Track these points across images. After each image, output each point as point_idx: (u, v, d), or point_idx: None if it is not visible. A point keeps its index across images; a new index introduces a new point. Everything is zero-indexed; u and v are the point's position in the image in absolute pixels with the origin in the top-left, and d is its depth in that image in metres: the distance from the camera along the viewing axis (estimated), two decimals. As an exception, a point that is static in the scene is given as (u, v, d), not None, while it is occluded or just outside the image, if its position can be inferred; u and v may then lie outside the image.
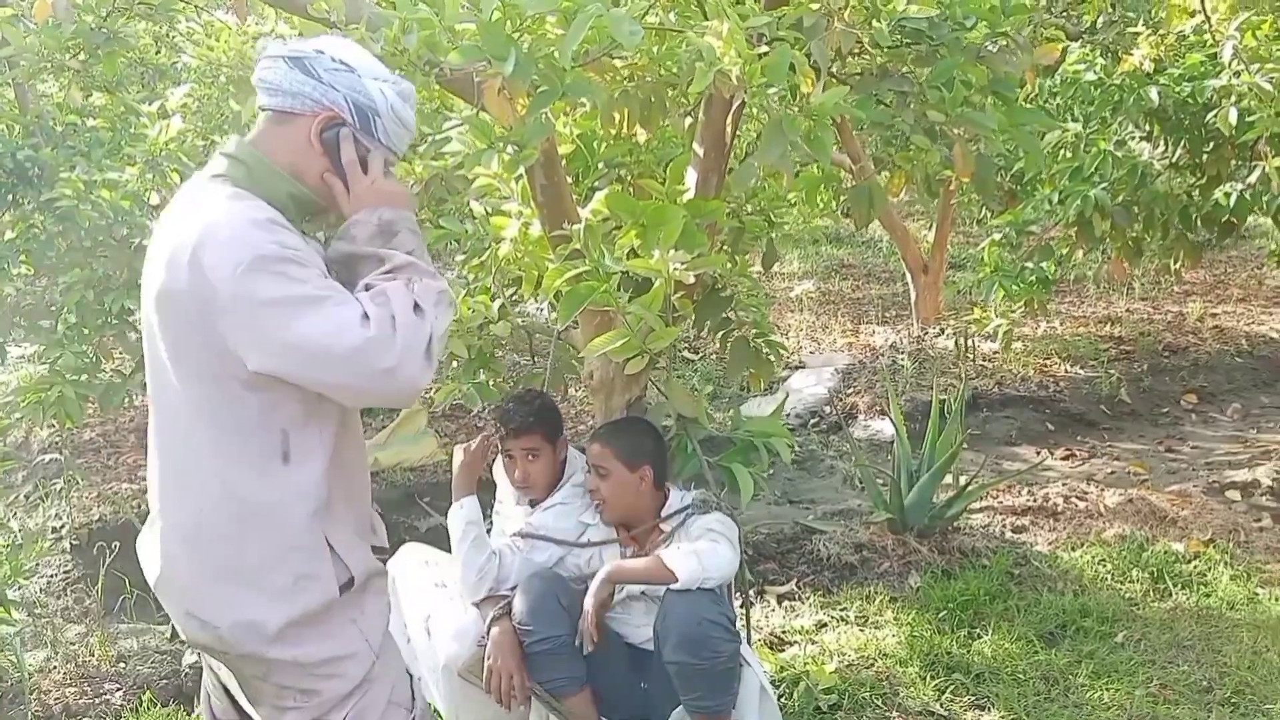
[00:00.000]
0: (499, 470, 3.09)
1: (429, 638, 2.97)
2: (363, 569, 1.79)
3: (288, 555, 1.69)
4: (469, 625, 2.86)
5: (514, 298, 3.30)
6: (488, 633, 2.80)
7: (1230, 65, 4.06)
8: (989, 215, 6.19)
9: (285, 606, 1.69)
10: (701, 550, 2.68)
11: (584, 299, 2.59)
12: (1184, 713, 3.01)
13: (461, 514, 2.86)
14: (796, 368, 6.61)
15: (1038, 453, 5.46)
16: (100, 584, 3.50)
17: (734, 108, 2.69)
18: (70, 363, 4.11)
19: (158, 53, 6.63)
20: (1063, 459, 5.37)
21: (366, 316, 1.55)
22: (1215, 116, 4.16)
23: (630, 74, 2.42)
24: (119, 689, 3.22)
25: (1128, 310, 7.76)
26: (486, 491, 3.00)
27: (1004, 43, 2.68)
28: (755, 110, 2.25)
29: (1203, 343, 6.93)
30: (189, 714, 3.07)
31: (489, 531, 3.00)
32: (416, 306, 1.59)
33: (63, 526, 4.45)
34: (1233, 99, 4.07)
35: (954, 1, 2.55)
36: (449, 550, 3.05)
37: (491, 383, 3.34)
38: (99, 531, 4.33)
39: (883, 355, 6.71)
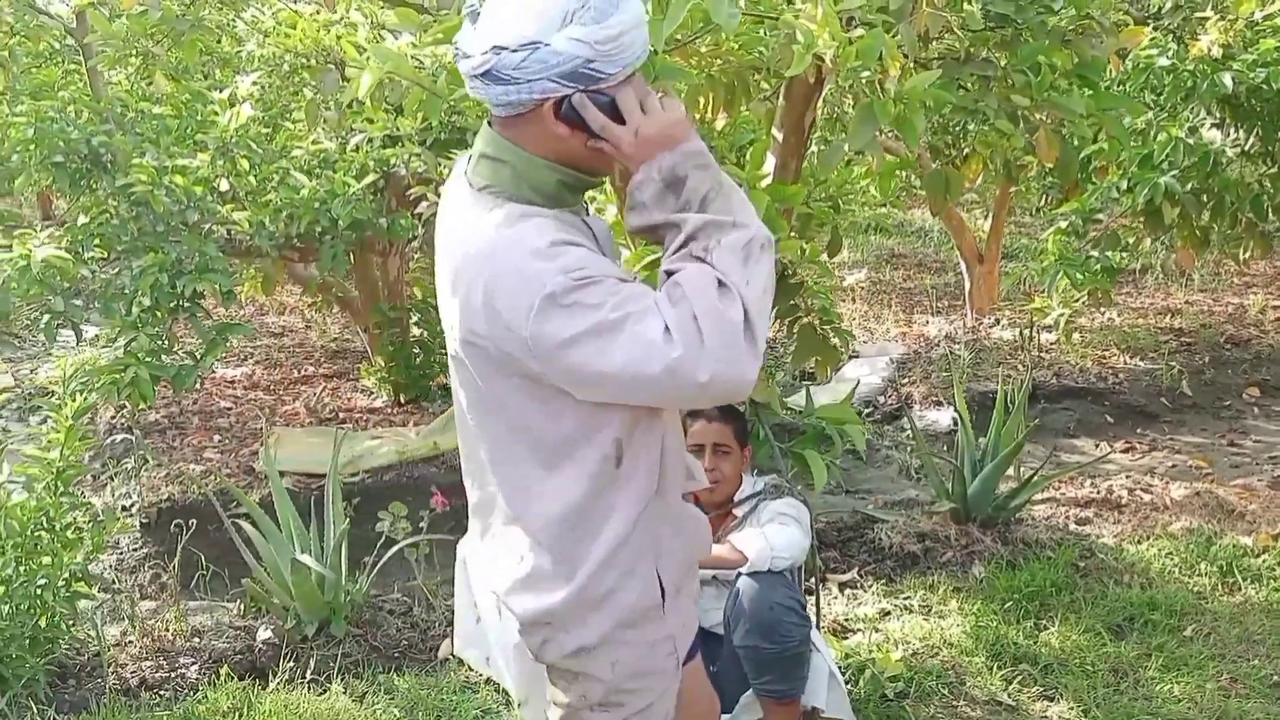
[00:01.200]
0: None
1: (500, 617, 3.00)
2: (678, 567, 1.75)
3: (619, 553, 1.65)
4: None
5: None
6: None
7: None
8: (1048, 205, 6.11)
9: (617, 601, 1.67)
10: (770, 532, 2.70)
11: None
12: (1255, 707, 2.98)
13: None
14: (852, 357, 6.58)
15: (1097, 445, 5.40)
16: (177, 560, 3.56)
17: (816, 93, 2.69)
18: (145, 344, 4.19)
19: (218, 41, 6.72)
20: (1123, 451, 5.31)
21: (668, 330, 1.43)
22: (1292, 103, 4.09)
23: (717, 58, 2.43)
24: (194, 663, 3.28)
25: (1187, 302, 7.64)
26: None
27: (1089, 26, 2.66)
28: (838, 94, 2.25)
29: (1265, 335, 6.81)
30: (264, 688, 3.13)
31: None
32: (720, 284, 1.44)
33: (133, 505, 4.54)
34: (1312, 86, 4.00)
35: (1041, -15, 2.53)
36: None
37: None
38: (168, 510, 4.42)
39: (937, 345, 6.66)
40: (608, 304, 1.46)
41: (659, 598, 1.70)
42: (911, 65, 2.51)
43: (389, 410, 6.01)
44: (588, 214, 1.68)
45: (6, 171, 4.39)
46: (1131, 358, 6.36)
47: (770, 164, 2.81)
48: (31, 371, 6.56)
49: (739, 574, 2.70)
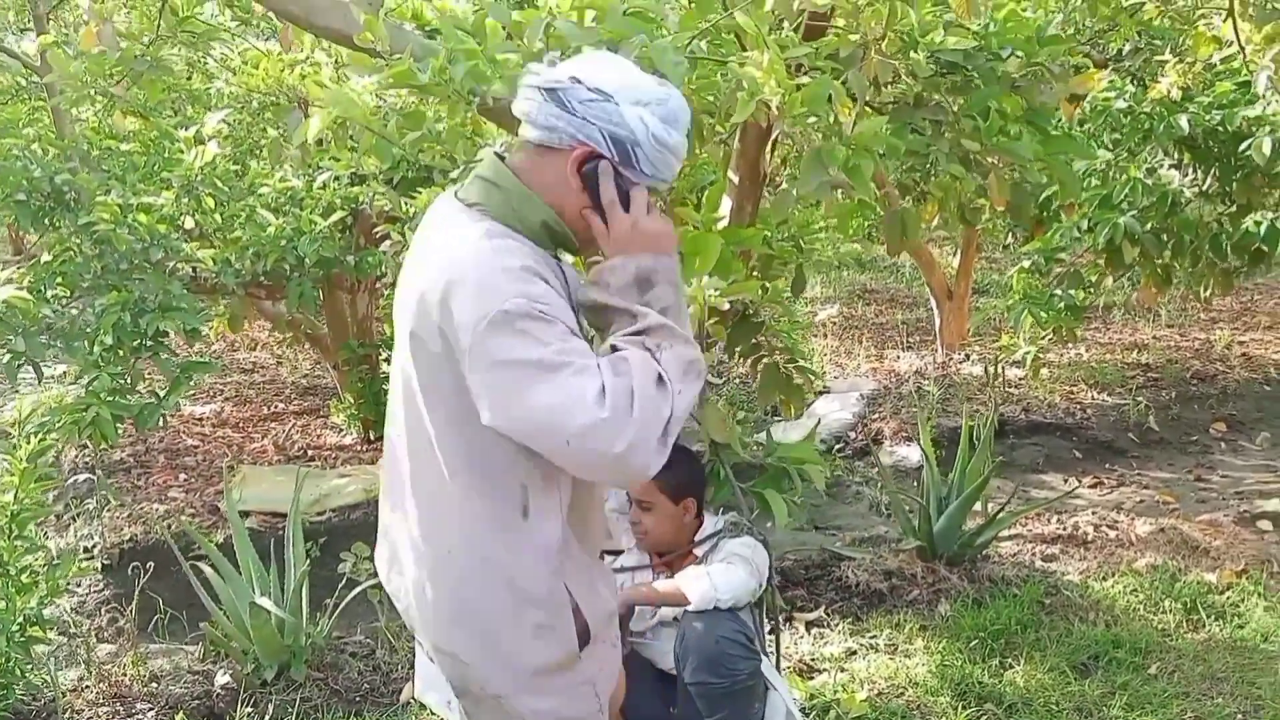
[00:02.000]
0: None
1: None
2: (597, 616, 1.75)
3: (526, 609, 1.66)
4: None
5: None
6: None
7: (1267, 96, 4.06)
8: (1016, 242, 6.18)
9: (529, 655, 1.67)
10: (715, 572, 2.70)
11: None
12: (1219, 746, 2.98)
13: None
14: (821, 393, 6.60)
15: (1065, 480, 5.43)
16: (135, 604, 3.52)
17: (770, 136, 2.72)
18: (106, 384, 4.15)
19: (189, 79, 6.74)
20: (1091, 487, 5.34)
21: (604, 391, 1.45)
22: (1250, 146, 4.16)
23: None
24: (151, 709, 3.23)
25: (1154, 337, 7.72)
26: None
27: (1039, 72, 2.70)
28: (791, 139, 2.27)
29: (1231, 370, 6.88)
30: (220, 735, 3.08)
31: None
32: (660, 379, 1.49)
33: (95, 546, 4.48)
34: (1267, 129, 4.06)
35: (990, 33, 2.57)
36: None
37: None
38: (130, 551, 4.37)
39: (907, 381, 6.70)
40: (555, 345, 1.48)
41: (575, 649, 1.71)
42: (866, 110, 2.55)
43: (358, 447, 5.98)
44: (560, 261, 1.70)
45: (-31, 209, 4.36)
46: (1099, 393, 6.41)
47: (726, 206, 2.83)
48: (-3, 410, 6.50)
49: (685, 613, 2.69)
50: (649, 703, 2.82)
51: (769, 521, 3.04)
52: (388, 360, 5.98)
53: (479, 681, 1.70)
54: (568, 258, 1.76)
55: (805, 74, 2.31)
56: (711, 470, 3.02)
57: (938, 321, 7.31)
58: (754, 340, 3.49)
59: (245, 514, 4.58)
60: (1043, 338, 5.11)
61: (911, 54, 2.41)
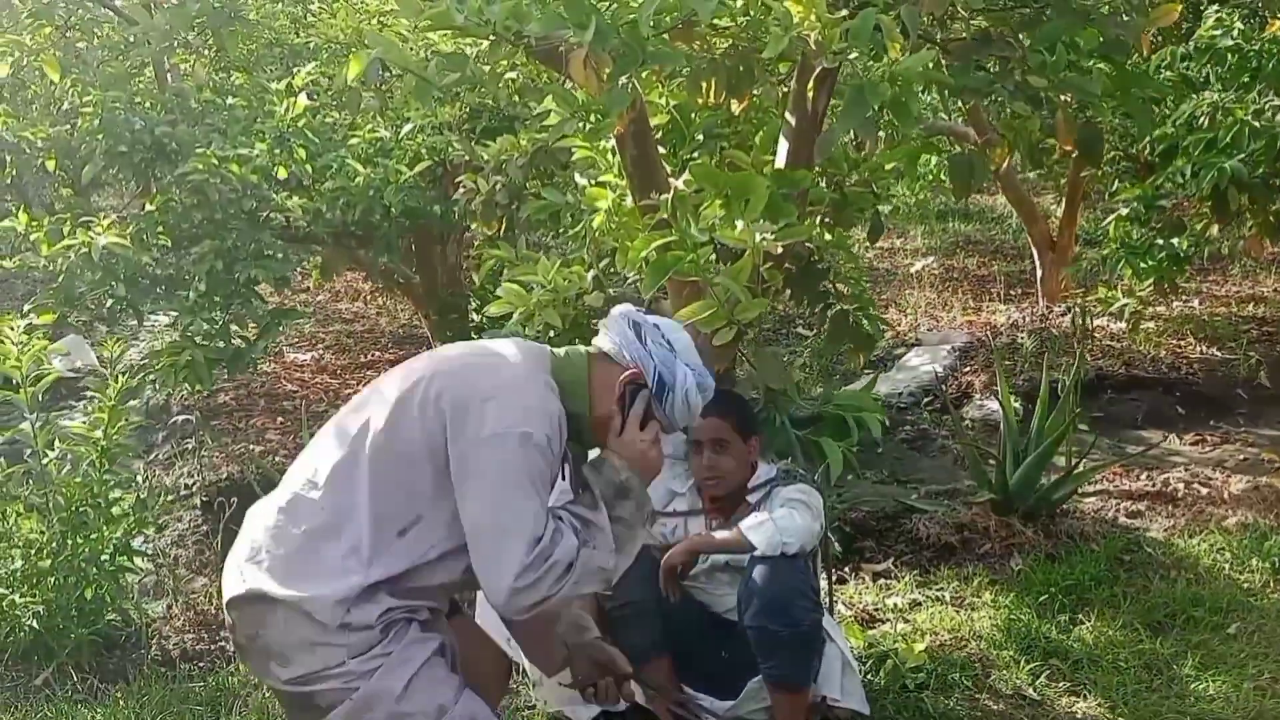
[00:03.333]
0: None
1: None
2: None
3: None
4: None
5: (608, 268, 3.34)
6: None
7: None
8: (1121, 188, 5.91)
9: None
10: (778, 517, 2.68)
11: (669, 268, 2.61)
12: (1295, 709, 2.85)
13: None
14: (913, 345, 6.47)
15: (1165, 437, 5.21)
16: (220, 538, 3.69)
17: (826, 76, 2.65)
18: (200, 329, 4.35)
19: (296, 34, 6.88)
20: (1192, 444, 5.12)
21: (537, 542, 1.86)
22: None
23: (720, 42, 2.41)
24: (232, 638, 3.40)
25: (1275, 290, 7.31)
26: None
27: (1116, 4, 2.57)
28: (843, 77, 2.22)
29: (1356, 325, 6.48)
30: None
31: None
32: (570, 567, 1.89)
33: (194, 484, 4.71)
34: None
35: (1060, -39, 2.45)
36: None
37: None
38: (227, 489, 4.57)
39: (1003, 334, 6.50)
40: (536, 483, 1.92)
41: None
42: (928, 47, 2.46)
43: (448, 395, 6.11)
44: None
45: (78, 161, 4.58)
46: (1209, 347, 6.11)
47: (784, 149, 2.78)
48: (119, 354, 6.84)
49: (751, 558, 2.69)
50: (700, 645, 2.84)
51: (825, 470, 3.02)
52: (477, 310, 6.07)
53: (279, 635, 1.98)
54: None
55: (857, 7, 2.25)
56: (767, 419, 3.01)
57: (1039, 273, 7.06)
58: (820, 288, 3.45)
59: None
60: (1143, 289, 4.89)
61: (967, -14, 2.32)
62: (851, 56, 2.00)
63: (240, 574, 2.02)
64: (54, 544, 3.12)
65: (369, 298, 8.24)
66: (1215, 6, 4.74)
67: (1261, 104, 4.42)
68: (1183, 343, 6.18)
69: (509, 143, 3.88)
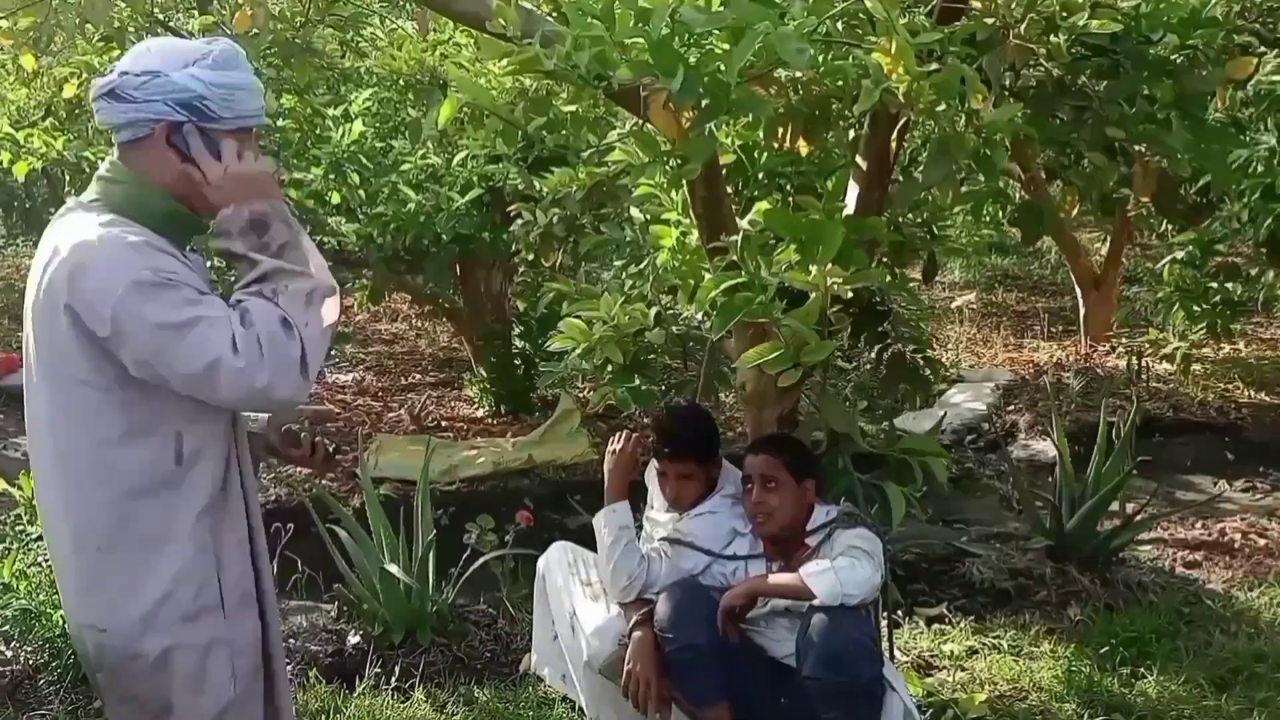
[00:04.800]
0: (651, 474, 3.13)
1: (574, 634, 3.04)
2: (232, 587, 1.80)
3: (166, 561, 1.74)
4: (611, 623, 2.92)
5: (669, 305, 3.35)
6: (629, 635, 2.85)
7: None
8: (1171, 231, 5.86)
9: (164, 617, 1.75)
10: (840, 567, 2.66)
11: (739, 310, 2.60)
12: (1367, 773, 2.80)
13: (614, 518, 2.91)
14: (955, 381, 6.43)
15: (1214, 483, 5.15)
16: (275, 562, 3.70)
17: (900, 123, 2.65)
18: (254, 352, 4.37)
19: (343, 57, 6.97)
20: (1243, 491, 5.05)
21: (235, 343, 1.62)
22: None
23: (795, 88, 2.42)
24: (289, 663, 3.39)
25: (1323, 334, 7.23)
26: (636, 494, 3.05)
27: (1193, 56, 2.56)
28: (921, 125, 2.21)
29: (1407, 373, 6.39)
30: (350, 692, 3.23)
31: (638, 533, 3.04)
32: (285, 321, 1.65)
33: (241, 505, 4.73)
34: None
35: (1140, 14, 2.44)
36: (594, 548, 3.12)
37: (645, 387, 3.39)
38: (274, 513, 4.59)
39: (1047, 372, 6.46)
40: (187, 307, 1.64)
41: (218, 600, 1.77)
42: (1005, 97, 2.46)
43: (489, 420, 6.13)
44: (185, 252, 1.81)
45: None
46: (1257, 392, 6.05)
47: (853, 192, 2.78)
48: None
49: (810, 606, 2.67)
50: (760, 690, 2.82)
51: (886, 514, 3.00)
52: (520, 336, 6.11)
53: (120, 645, 1.74)
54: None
55: (938, 60, 2.24)
56: (829, 461, 2.99)
57: (1082, 311, 7.02)
58: (880, 329, 3.43)
59: (379, 481, 4.76)
60: (1195, 333, 4.84)
61: (1052, 37, 2.31)
62: (940, 110, 2.00)
63: None
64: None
65: (410, 320, 8.30)
66: (1276, 52, 4.71)
67: (1322, 151, 4.39)
68: (1231, 387, 6.12)
69: (567, 175, 3.90)
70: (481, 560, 3.61)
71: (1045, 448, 5.48)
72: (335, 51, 6.80)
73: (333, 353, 6.41)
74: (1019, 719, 3.03)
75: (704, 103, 2.16)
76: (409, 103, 4.63)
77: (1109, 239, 7.08)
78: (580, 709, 3.08)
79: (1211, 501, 4.69)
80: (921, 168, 2.18)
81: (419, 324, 8.17)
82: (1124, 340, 6.82)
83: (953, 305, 8.00)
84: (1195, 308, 4.63)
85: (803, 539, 2.85)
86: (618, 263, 4.05)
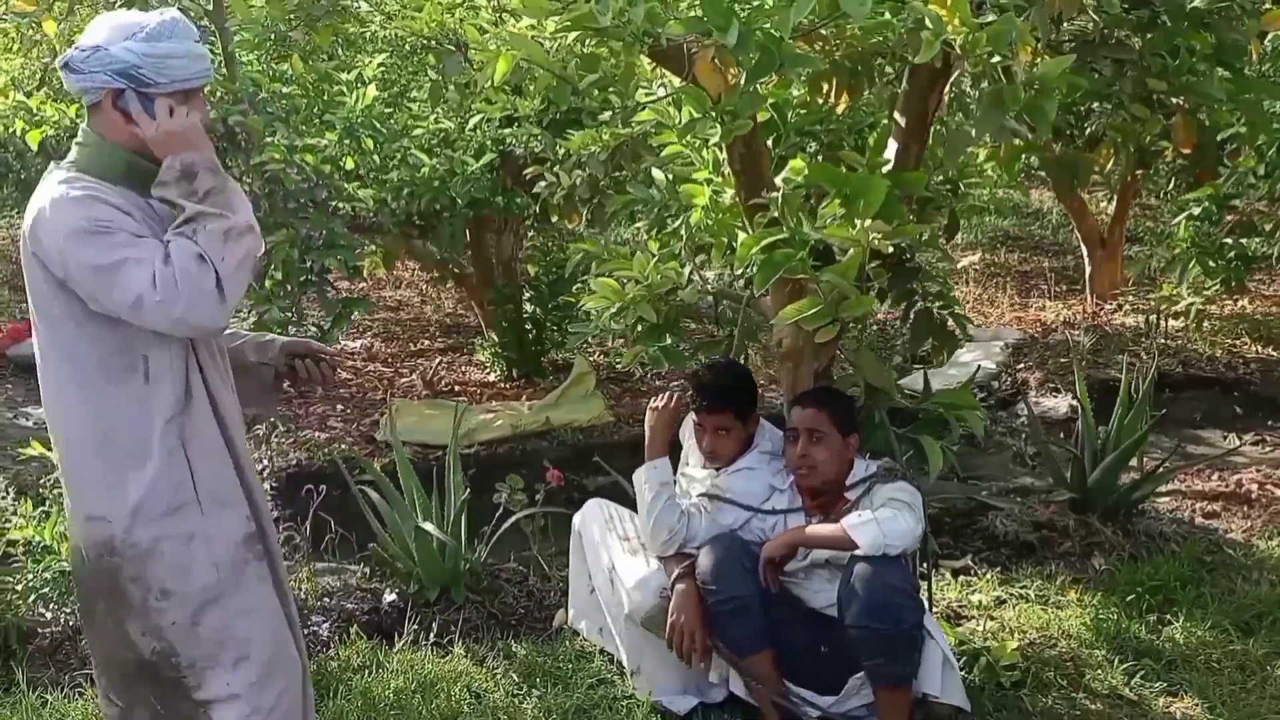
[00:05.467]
0: (686, 430, 3.16)
1: (613, 588, 3.09)
2: (206, 491, 2.05)
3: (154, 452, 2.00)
4: (651, 576, 2.96)
5: (701, 264, 3.36)
6: (671, 589, 2.89)
7: None
8: (1179, 189, 5.88)
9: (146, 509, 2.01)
10: (883, 518, 2.70)
11: (780, 266, 2.63)
12: (1391, 712, 2.87)
13: (655, 475, 2.94)
14: (965, 341, 6.45)
15: (1224, 437, 5.21)
16: (309, 523, 3.73)
17: (941, 78, 2.66)
18: (276, 316, 4.38)
19: (344, 23, 6.90)
20: (1253, 444, 5.12)
21: (154, 279, 1.88)
22: None
23: (841, 44, 2.42)
24: (325, 621, 3.44)
25: (1326, 290, 7.29)
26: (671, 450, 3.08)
27: (1230, 8, 2.57)
28: (967, 79, 2.23)
29: None
30: (390, 648, 3.27)
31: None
32: (200, 257, 1.90)
33: (263, 470, 4.74)
34: None
35: (1182, -35, 2.45)
36: (630, 506, 3.16)
37: (678, 346, 3.41)
38: (296, 475, 4.61)
39: (1055, 331, 6.50)
40: (116, 252, 1.91)
41: (194, 497, 2.03)
42: (1044, 50, 2.47)
43: (502, 385, 6.15)
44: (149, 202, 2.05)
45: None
46: (1264, 347, 6.10)
47: (891, 149, 2.79)
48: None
49: (852, 557, 2.71)
50: (800, 639, 2.87)
51: (923, 469, 3.04)
52: (530, 300, 6.11)
53: (119, 530, 2.01)
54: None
55: (986, 12, 2.25)
56: (865, 416, 3.02)
57: (1088, 270, 7.05)
58: (908, 285, 3.45)
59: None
60: (1209, 288, 4.88)
61: (1100, -11, 2.33)
62: (994, 61, 2.01)
63: None
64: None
65: (417, 286, 8.28)
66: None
67: (1339, 105, 4.41)
68: (1238, 342, 6.17)
69: (589, 136, 3.89)
70: (514, 519, 3.65)
71: (1057, 404, 5.53)
72: (347, 20, 6.74)
73: (353, 317, 6.39)
74: (1050, 665, 3.09)
75: (754, 58, 2.17)
76: (425, 65, 4.60)
77: (1115, 198, 7.10)
78: (618, 661, 3.13)
79: (1227, 455, 4.75)
80: (969, 121, 2.19)
81: (424, 290, 8.16)
82: (1131, 298, 6.87)
83: (958, 265, 8.02)
84: (1210, 263, 4.66)
85: (843, 493, 2.89)
86: (639, 224, 4.05)
